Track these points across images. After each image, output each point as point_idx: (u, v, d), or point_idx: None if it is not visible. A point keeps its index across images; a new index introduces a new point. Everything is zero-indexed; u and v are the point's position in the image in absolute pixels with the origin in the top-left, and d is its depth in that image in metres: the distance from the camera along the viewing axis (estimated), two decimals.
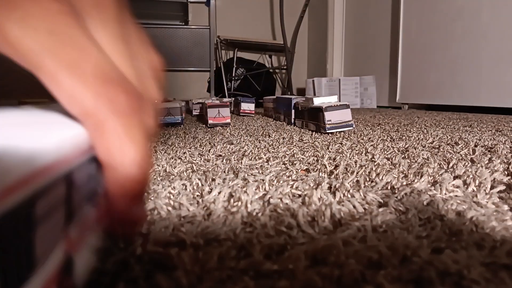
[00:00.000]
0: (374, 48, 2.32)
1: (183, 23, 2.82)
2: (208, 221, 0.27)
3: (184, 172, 0.44)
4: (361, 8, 2.46)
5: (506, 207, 0.29)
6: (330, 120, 0.76)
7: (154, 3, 2.49)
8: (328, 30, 2.68)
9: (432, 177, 0.38)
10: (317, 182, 0.36)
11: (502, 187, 0.33)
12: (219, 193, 0.33)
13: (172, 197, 0.32)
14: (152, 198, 0.32)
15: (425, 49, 1.79)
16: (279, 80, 3.14)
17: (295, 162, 0.48)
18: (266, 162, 0.49)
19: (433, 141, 0.65)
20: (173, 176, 0.41)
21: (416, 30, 1.84)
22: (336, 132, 0.79)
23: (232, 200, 0.31)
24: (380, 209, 0.29)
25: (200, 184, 0.37)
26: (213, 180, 0.38)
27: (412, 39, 1.88)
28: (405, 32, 1.92)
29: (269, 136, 0.76)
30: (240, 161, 0.49)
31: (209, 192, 0.33)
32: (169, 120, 1.00)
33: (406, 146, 0.60)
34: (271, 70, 2.95)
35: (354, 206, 0.29)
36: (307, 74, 3.20)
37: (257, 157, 0.52)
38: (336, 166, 0.45)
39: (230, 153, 0.56)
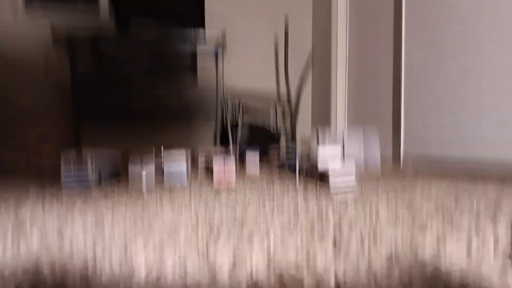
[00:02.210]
0: (377, 100, 2.38)
1: (190, 73, 2.92)
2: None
3: (190, 220, 0.44)
4: (363, 62, 2.54)
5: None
6: (334, 182, 0.77)
7: (164, 53, 2.60)
8: (332, 82, 2.75)
9: (435, 229, 0.38)
10: (321, 235, 0.36)
11: (506, 241, 0.33)
12: (224, 244, 0.33)
13: (177, 248, 0.33)
14: (157, 248, 0.32)
15: (428, 102, 1.83)
16: (284, 128, 3.18)
17: (299, 212, 0.48)
18: (271, 211, 0.49)
19: (437, 193, 0.65)
20: (179, 224, 0.42)
21: (419, 84, 1.89)
22: (341, 191, 0.80)
23: (237, 252, 0.31)
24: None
25: (205, 234, 0.37)
26: (218, 229, 0.39)
27: (414, 91, 1.92)
28: (407, 85, 1.97)
29: (274, 186, 0.76)
30: (244, 210, 0.50)
31: (215, 242, 0.34)
32: (175, 170, 1.01)
33: (410, 197, 0.60)
34: (276, 120, 3.00)
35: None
36: (311, 124, 3.24)
37: (261, 206, 0.52)
38: (340, 218, 0.45)
39: (235, 202, 0.56)
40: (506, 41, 1.44)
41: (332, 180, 0.77)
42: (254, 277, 0.28)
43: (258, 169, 1.28)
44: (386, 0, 2.25)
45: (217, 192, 0.67)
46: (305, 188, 0.72)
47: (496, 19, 1.48)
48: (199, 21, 2.67)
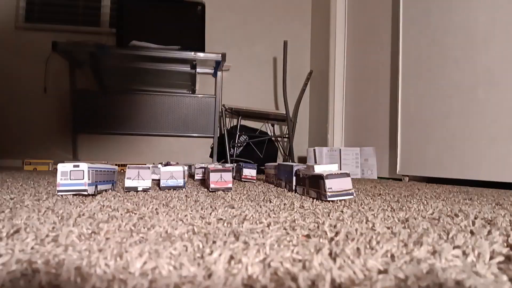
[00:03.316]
0: (373, 120, 2.40)
1: (190, 92, 2.95)
2: (208, 281, 0.27)
3: (185, 234, 0.44)
4: (360, 82, 2.58)
5: (505, 278, 0.29)
6: (331, 188, 0.77)
7: (165, 73, 2.63)
8: (329, 102, 2.78)
9: (431, 247, 0.38)
10: (317, 248, 0.36)
11: (501, 258, 0.33)
12: (220, 255, 0.33)
13: (173, 257, 0.33)
14: (153, 258, 0.32)
15: (424, 123, 1.85)
16: (281, 148, 3.19)
17: (295, 228, 0.48)
18: (267, 226, 0.49)
19: (433, 213, 0.65)
20: (174, 238, 0.42)
21: (415, 105, 1.92)
22: (337, 200, 0.80)
23: (232, 262, 0.31)
24: (380, 276, 0.29)
25: (201, 246, 0.37)
26: (214, 242, 0.39)
27: (410, 113, 1.94)
28: (403, 106, 1.99)
29: (270, 202, 0.76)
30: (241, 225, 0.50)
31: (210, 254, 0.34)
32: (172, 184, 1.01)
33: (406, 216, 0.60)
34: (273, 138, 3.01)
35: (354, 272, 0.29)
36: (308, 143, 3.26)
37: (258, 222, 0.52)
38: (337, 233, 0.45)
39: (231, 217, 0.56)
40: (499, 82, 1.47)
41: (327, 182, 0.77)
42: (249, 272, 0.28)
43: (255, 179, 1.28)
44: (384, 24, 2.30)
45: (214, 208, 0.67)
46: (302, 206, 0.72)
47: (490, 58, 1.52)
48: (200, 45, 2.71)
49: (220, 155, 2.76)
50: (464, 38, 1.63)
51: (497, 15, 1.48)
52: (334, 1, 2.79)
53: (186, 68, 2.68)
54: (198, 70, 2.79)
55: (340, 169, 2.31)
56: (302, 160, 3.19)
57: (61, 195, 0.78)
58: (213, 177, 0.97)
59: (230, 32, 3.20)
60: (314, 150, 2.40)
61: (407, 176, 1.98)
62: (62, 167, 0.76)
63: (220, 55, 2.47)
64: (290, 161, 2.78)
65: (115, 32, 2.88)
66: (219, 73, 2.75)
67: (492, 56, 1.50)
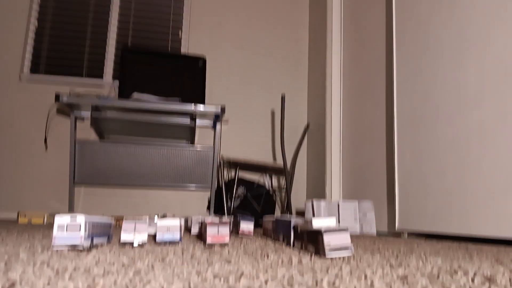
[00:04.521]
0: (371, 173, 2.41)
1: (189, 142, 2.98)
2: None
3: None
4: (356, 135, 2.62)
5: None
6: (329, 243, 0.77)
7: (165, 125, 2.67)
8: (326, 154, 2.81)
9: None
10: None
11: None
12: None
13: None
14: None
15: (421, 177, 1.86)
16: (279, 201, 3.17)
17: (294, 284, 0.48)
18: (265, 283, 0.49)
19: (432, 269, 0.64)
20: None
21: (411, 159, 1.94)
22: (335, 256, 0.79)
23: None
24: None
25: None
26: None
27: (407, 167, 1.96)
28: (400, 160, 2.02)
29: (268, 257, 0.75)
30: (238, 282, 0.49)
31: None
32: (168, 238, 1.00)
33: (406, 273, 0.60)
34: (271, 191, 3.00)
35: None
36: (306, 195, 3.24)
37: (255, 278, 0.51)
38: None
39: (228, 273, 0.56)
40: (492, 140, 1.51)
41: (326, 238, 0.76)
42: None
43: (252, 235, 1.26)
44: (379, 79, 2.39)
45: (211, 263, 0.66)
46: (300, 262, 0.71)
47: (482, 114, 1.57)
48: (201, 98, 2.79)
49: (217, 207, 2.74)
50: (456, 95, 1.69)
51: (487, 73, 1.55)
52: (329, 58, 2.91)
53: (186, 120, 2.74)
54: (197, 122, 2.84)
55: (339, 223, 2.28)
56: (300, 213, 3.16)
57: (57, 248, 0.77)
58: (210, 230, 0.96)
59: (229, 85, 3.30)
60: (312, 203, 2.39)
61: (406, 231, 1.96)
62: (59, 220, 0.76)
63: (220, 107, 2.53)
64: (288, 214, 2.76)
65: (117, 84, 2.97)
66: (218, 125, 2.80)
67: (483, 113, 1.54)
